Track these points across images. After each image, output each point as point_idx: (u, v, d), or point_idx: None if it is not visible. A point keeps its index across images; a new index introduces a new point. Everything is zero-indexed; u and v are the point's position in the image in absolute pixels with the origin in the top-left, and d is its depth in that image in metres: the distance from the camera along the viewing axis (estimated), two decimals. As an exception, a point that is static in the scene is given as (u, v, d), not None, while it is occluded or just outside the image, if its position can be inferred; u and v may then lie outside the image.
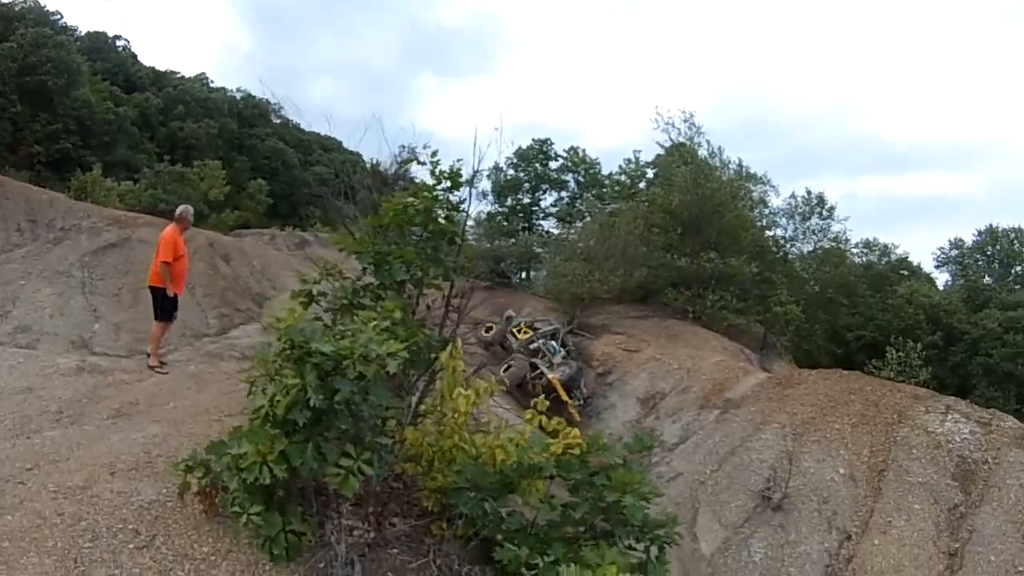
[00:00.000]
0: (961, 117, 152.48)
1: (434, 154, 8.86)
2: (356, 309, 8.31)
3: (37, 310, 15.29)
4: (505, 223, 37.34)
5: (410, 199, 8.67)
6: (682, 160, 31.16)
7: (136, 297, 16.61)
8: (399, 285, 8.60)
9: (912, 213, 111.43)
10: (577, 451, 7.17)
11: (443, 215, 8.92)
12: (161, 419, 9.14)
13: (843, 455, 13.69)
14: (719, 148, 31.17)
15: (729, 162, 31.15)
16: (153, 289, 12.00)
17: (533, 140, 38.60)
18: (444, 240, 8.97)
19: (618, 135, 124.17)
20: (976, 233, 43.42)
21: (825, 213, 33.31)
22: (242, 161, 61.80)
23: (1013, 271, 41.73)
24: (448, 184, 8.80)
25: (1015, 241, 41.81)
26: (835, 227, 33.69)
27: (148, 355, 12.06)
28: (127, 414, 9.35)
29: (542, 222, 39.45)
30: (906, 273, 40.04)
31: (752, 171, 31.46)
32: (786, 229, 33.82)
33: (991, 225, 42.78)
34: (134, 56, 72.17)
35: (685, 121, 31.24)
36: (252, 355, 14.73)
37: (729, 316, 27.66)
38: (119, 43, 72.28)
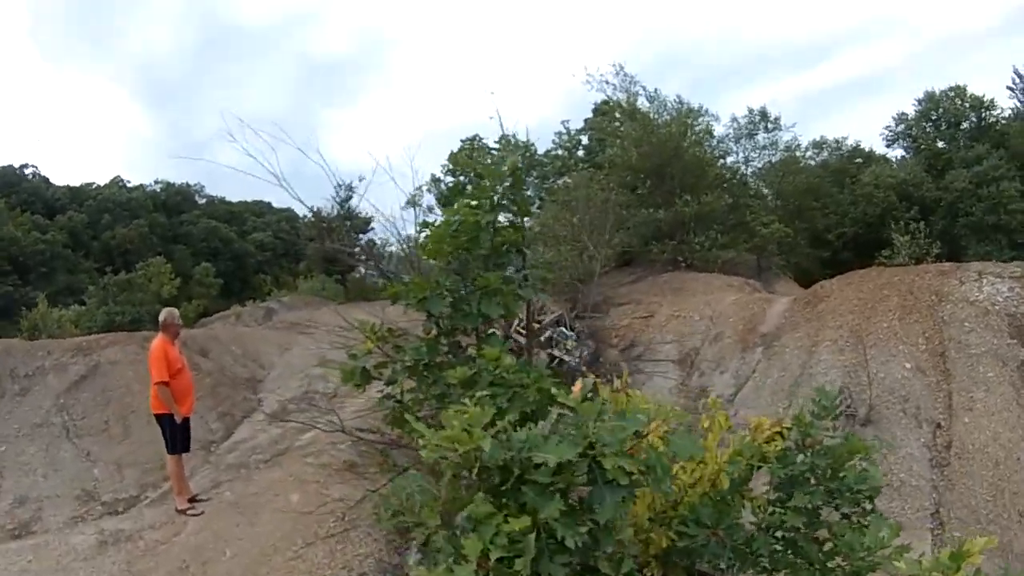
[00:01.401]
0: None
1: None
2: (436, 370, 6.36)
3: (28, 475, 12.83)
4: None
5: (464, 212, 6.57)
6: (614, 115, 29.82)
7: (126, 426, 14.33)
8: (485, 322, 6.56)
9: (839, 102, 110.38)
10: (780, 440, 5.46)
11: (505, 223, 6.80)
12: (226, 578, 6.93)
13: (903, 350, 12.98)
14: (656, 91, 29.32)
15: (666, 102, 29.23)
16: (157, 417, 9.59)
17: (461, 141, 36.38)
18: (510, 252, 6.87)
19: (534, 112, 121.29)
20: (916, 102, 41.47)
21: (771, 125, 31.80)
22: (181, 250, 58.69)
23: (962, 128, 39.81)
24: (510, 182, 6.69)
25: (956, 98, 39.96)
26: (785, 136, 32.31)
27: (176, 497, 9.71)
28: (182, 585, 7.11)
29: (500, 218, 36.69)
30: (861, 161, 38.88)
31: (691, 105, 29.53)
32: (736, 153, 32.32)
33: (929, 91, 41.05)
34: (46, 180, 68.79)
35: (616, 75, 29.23)
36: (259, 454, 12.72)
37: (720, 253, 26.03)
38: (28, 171, 68.78)
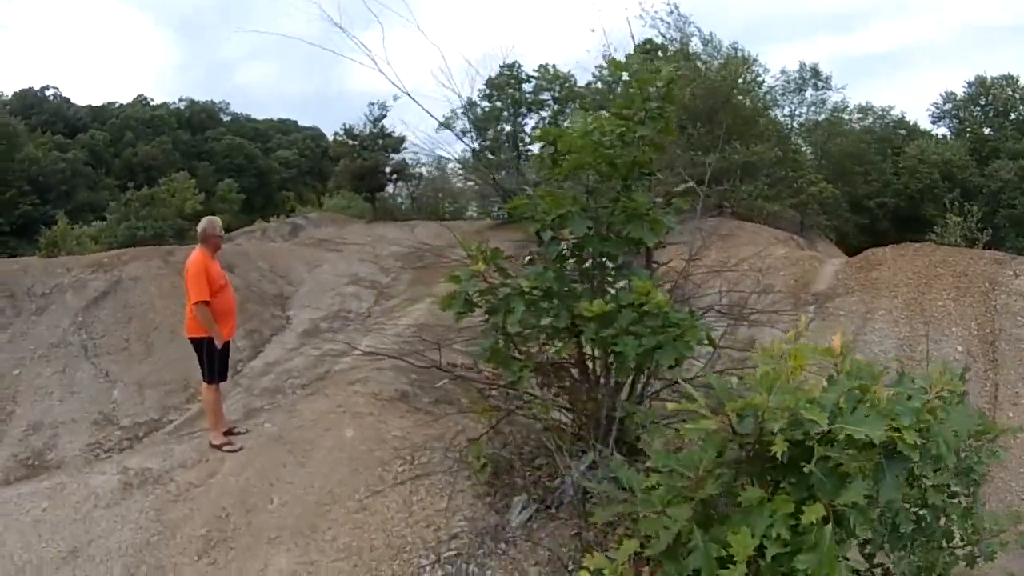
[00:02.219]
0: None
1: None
2: (563, 300, 5.45)
3: (43, 398, 11.63)
4: (491, 156, 32.89)
5: (606, 122, 5.28)
6: (657, 55, 27.72)
7: (147, 344, 13.19)
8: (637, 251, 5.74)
9: (880, 68, 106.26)
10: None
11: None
12: (280, 533, 5.66)
13: (956, 332, 12.53)
14: (711, 34, 27.57)
15: (721, 46, 27.53)
16: (194, 341, 7.88)
17: (501, 66, 33.51)
18: (640, 175, 5.80)
19: (567, 49, 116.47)
20: (966, 84, 40.35)
21: (820, 84, 30.23)
22: (204, 167, 56.85)
23: (1010, 119, 38.51)
24: (663, 88, 5.54)
25: (1007, 87, 38.66)
26: (833, 96, 31.01)
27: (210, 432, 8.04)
28: (225, 540, 5.87)
29: (530, 147, 33.65)
30: (904, 133, 37.79)
31: (745, 52, 27.74)
32: (783, 107, 30.83)
33: (980, 75, 39.74)
34: (67, 100, 67.01)
35: (671, 13, 27.41)
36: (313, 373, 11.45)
37: (765, 205, 24.64)
38: (49, 92, 66.95)
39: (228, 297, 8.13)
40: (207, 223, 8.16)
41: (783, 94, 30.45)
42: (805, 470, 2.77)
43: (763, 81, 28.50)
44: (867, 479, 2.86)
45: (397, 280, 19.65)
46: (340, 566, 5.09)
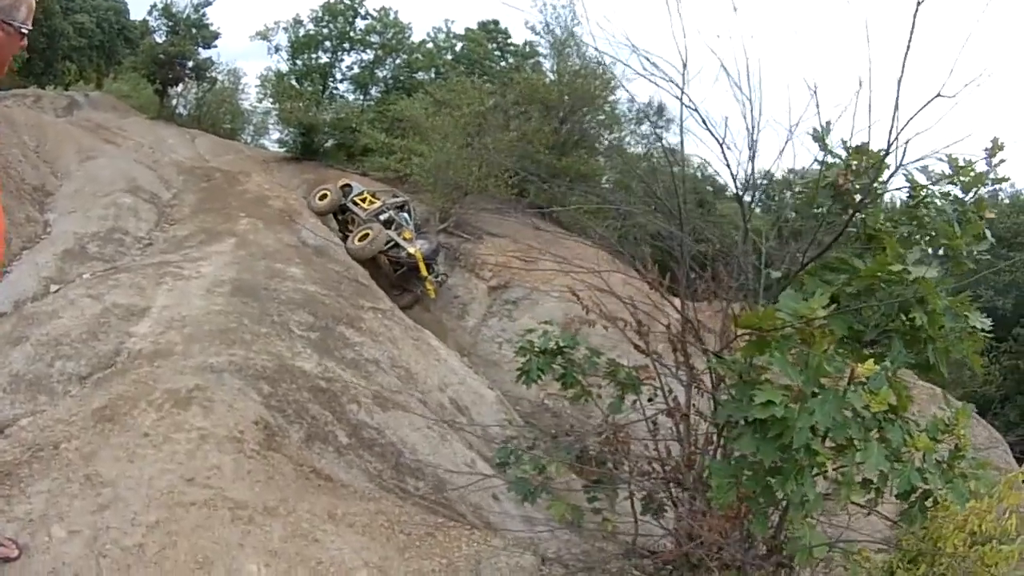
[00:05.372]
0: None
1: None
2: None
3: None
4: (296, 84, 28.99)
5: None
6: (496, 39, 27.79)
7: None
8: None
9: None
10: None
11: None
12: None
13: None
14: (585, 46, 25.00)
15: (584, 52, 24.89)
16: None
17: None
18: None
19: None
20: None
21: (662, 124, 28.34)
22: (-3, 18, 46.60)
23: None
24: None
25: None
26: (670, 138, 29.17)
27: None
28: None
29: (338, 85, 31.18)
30: (712, 190, 37.38)
31: (610, 74, 25.39)
32: (619, 133, 28.68)
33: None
34: None
35: (564, 7, 24.55)
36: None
37: (590, 221, 22.29)
38: None
39: None
40: None
41: (623, 120, 28.35)
42: None
43: (612, 102, 26.30)
44: None
45: (180, 200, 14.90)
46: None
